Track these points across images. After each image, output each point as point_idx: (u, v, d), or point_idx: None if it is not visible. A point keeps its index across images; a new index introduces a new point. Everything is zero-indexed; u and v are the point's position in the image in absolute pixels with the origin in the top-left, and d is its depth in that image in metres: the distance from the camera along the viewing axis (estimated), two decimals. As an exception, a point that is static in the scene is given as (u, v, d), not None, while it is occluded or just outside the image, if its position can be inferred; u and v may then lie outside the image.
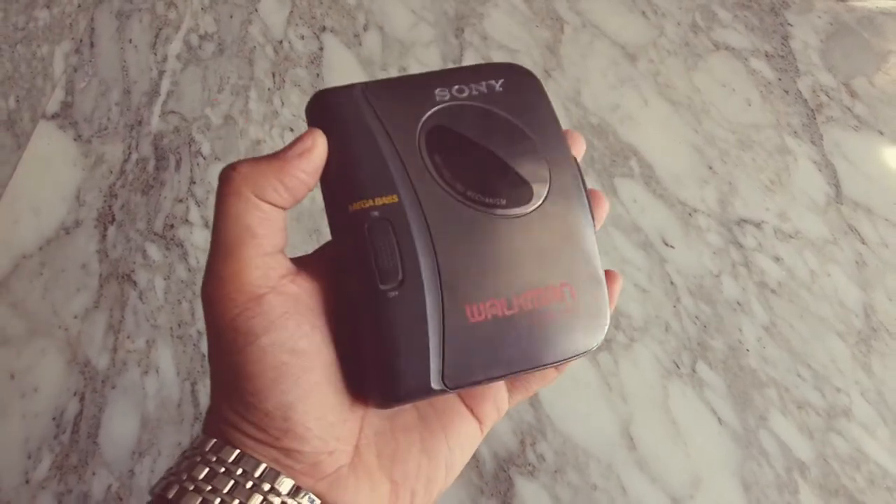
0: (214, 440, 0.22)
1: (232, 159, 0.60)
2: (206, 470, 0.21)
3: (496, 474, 0.48)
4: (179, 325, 0.53)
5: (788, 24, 0.68)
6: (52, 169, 0.59)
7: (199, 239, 0.56)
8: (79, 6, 0.67)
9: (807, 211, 0.58)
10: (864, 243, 0.57)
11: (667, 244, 0.57)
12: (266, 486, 0.21)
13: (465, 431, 0.27)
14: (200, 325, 0.53)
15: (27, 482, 0.47)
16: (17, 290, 0.54)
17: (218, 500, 0.21)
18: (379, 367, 0.22)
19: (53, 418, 0.49)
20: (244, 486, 0.21)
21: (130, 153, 0.60)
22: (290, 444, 0.21)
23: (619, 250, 0.56)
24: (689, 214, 0.58)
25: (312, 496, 0.22)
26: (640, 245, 0.57)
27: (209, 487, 0.21)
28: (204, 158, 0.60)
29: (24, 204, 0.58)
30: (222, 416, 0.22)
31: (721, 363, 0.52)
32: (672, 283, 0.55)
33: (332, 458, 0.22)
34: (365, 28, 0.67)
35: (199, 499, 0.21)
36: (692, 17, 0.69)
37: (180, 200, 0.58)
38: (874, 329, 0.54)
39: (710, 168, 0.60)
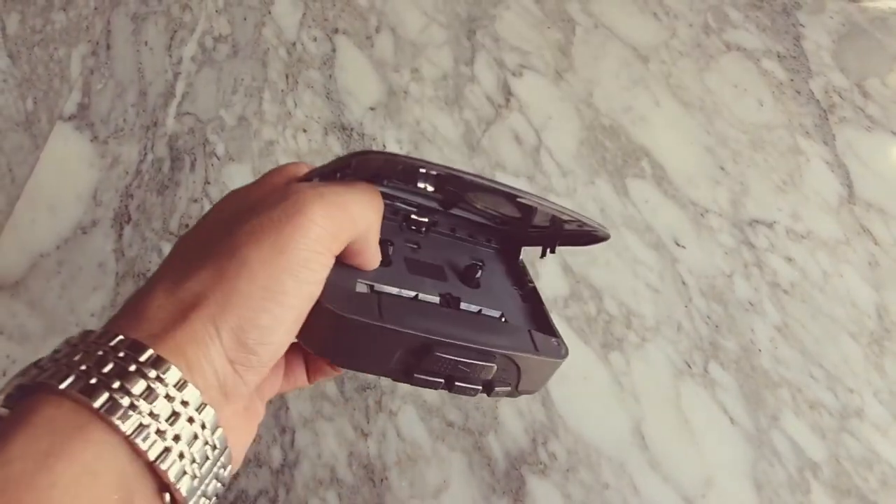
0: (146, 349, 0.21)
1: (246, 160, 0.61)
2: (144, 385, 0.20)
3: (508, 473, 0.49)
4: (194, 324, 0.53)
5: (800, 24, 0.68)
6: (69, 169, 0.60)
7: (213, 239, 0.57)
8: (95, 9, 0.68)
9: (819, 211, 0.58)
10: (876, 244, 0.57)
11: (678, 244, 0.57)
12: (177, 396, 0.21)
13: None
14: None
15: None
16: (34, 288, 0.54)
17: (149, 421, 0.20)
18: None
19: (71, 415, 0.50)
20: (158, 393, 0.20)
21: (146, 154, 0.61)
22: (251, 364, 0.23)
23: (631, 250, 0.57)
24: (701, 215, 0.58)
25: (212, 411, 0.22)
26: (652, 245, 0.57)
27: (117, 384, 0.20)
28: (218, 159, 0.61)
29: (42, 204, 0.58)
30: (204, 326, 0.22)
31: (733, 363, 0.52)
32: (684, 283, 0.55)
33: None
34: (377, 30, 0.68)
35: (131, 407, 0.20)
36: (704, 18, 0.69)
37: (195, 200, 0.59)
38: (887, 330, 0.53)
39: (722, 168, 0.60)
